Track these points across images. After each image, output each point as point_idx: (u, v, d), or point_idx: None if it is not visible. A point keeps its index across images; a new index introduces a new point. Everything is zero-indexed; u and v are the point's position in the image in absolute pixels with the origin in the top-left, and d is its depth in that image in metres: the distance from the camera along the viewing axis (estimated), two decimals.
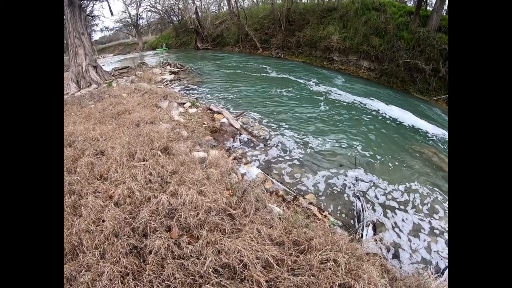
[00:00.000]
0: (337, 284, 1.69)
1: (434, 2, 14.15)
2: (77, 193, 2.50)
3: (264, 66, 13.58)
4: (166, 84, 9.18)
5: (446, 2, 14.53)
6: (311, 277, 1.73)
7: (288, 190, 3.64)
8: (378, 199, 3.70)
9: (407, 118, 7.74)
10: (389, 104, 8.90)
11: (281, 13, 18.33)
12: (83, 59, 10.29)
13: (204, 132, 4.60)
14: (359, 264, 1.92)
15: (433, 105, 11.18)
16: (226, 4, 25.86)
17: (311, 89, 9.59)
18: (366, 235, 2.96)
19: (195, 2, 29.00)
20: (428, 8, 15.87)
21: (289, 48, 17.60)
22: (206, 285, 1.61)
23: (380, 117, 7.41)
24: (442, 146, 6.06)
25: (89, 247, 1.91)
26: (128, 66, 13.64)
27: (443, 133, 7.11)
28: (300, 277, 1.75)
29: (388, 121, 7.21)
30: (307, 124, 5.93)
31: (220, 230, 2.00)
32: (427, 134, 6.86)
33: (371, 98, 9.25)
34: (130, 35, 41.97)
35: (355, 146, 5.09)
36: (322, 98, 8.40)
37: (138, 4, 30.69)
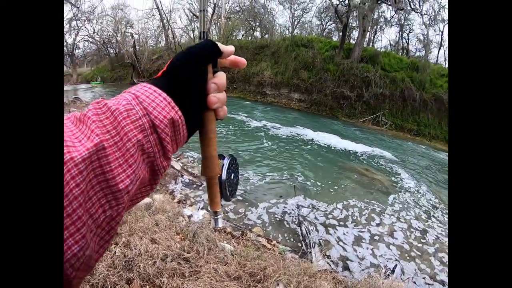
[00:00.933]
0: None
1: (356, 36, 16.61)
2: None
3: None
4: None
5: (366, 37, 17.12)
6: None
7: (235, 226, 3.79)
8: (319, 220, 4.11)
9: (337, 142, 8.71)
10: (321, 131, 9.88)
11: None
12: None
13: None
14: (311, 281, 2.16)
15: (360, 126, 12.77)
16: (164, 39, 26.14)
17: (246, 124, 10.07)
18: (315, 254, 3.25)
19: (134, 35, 28.62)
20: (351, 41, 18.38)
21: None
22: None
23: (314, 145, 8.18)
24: (371, 162, 6.97)
25: None
26: None
27: (371, 150, 8.15)
28: None
29: (321, 148, 8.01)
30: (246, 160, 6.23)
31: (179, 275, 2.06)
32: (357, 153, 7.82)
33: (304, 127, 10.13)
34: (64, 65, 39.00)
35: (293, 176, 5.55)
36: (260, 133, 8.89)
37: (77, 33, 29.33)
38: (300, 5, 22.90)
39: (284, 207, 4.33)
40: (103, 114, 0.33)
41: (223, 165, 0.50)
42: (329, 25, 23.89)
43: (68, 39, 29.36)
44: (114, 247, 2.23)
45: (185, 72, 0.40)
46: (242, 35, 23.72)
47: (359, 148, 8.46)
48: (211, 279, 2.08)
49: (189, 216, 3.56)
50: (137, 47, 26.95)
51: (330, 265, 3.16)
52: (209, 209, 0.51)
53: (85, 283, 1.99)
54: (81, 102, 12.94)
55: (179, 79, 0.40)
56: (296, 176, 5.55)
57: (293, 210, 4.27)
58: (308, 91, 15.20)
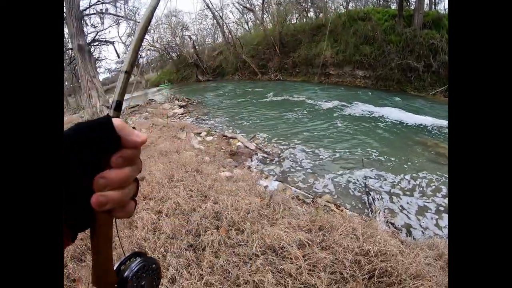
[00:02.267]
0: (356, 246, 2.15)
1: (414, 1, 14.90)
2: None
3: (265, 90, 14.21)
4: (178, 118, 9.92)
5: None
6: (336, 247, 2.20)
7: (306, 194, 4.12)
8: (385, 189, 4.16)
9: (407, 117, 8.21)
10: (389, 107, 9.40)
11: (274, 37, 19.07)
12: (96, 100, 10.83)
13: (224, 156, 5.18)
14: (374, 232, 2.39)
15: (431, 99, 11.61)
16: (221, 35, 27.17)
17: (315, 106, 10.15)
18: (379, 220, 3.39)
19: (191, 37, 30.37)
20: (410, 7, 16.46)
21: (287, 70, 18.22)
22: (257, 261, 2.09)
23: (382, 122, 7.92)
24: (441, 136, 6.48)
25: (151, 250, 2.37)
26: (138, 104, 14.43)
27: (442, 123, 7.53)
28: (327, 250, 2.22)
29: (391, 124, 7.71)
30: (317, 138, 6.48)
31: (260, 223, 2.51)
32: (427, 127, 7.29)
33: (371, 104, 9.76)
34: (133, 74, 43.77)
35: (362, 150, 5.61)
36: (328, 114, 8.94)
37: None
38: None
39: (352, 178, 4.50)
40: None
41: (126, 274, 0.39)
42: None
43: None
44: (205, 204, 2.82)
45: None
46: (296, 19, 23.26)
47: (429, 121, 7.85)
48: (286, 229, 2.46)
49: (265, 187, 4.02)
50: (196, 47, 28.63)
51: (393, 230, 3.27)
52: None
53: (181, 228, 2.55)
54: (156, 102, 14.68)
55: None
56: (365, 150, 5.61)
57: (360, 180, 4.41)
58: (372, 67, 14.31)
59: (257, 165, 5.05)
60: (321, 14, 19.87)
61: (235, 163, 4.96)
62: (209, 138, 6.34)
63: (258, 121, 8.46)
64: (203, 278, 2.04)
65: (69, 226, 0.34)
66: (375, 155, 5.36)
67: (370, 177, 4.51)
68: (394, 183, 4.32)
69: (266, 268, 2.05)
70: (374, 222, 2.96)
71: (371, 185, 4.26)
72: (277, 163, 5.13)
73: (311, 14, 22.41)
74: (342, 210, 3.72)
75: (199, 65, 26.53)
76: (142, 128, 7.62)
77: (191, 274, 2.09)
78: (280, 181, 4.43)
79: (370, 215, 3.56)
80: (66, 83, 21.75)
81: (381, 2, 20.72)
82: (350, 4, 21.08)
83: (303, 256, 2.18)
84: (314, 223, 2.66)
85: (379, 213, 3.53)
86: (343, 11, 18.96)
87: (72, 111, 20.70)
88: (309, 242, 2.36)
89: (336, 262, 2.11)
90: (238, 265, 2.13)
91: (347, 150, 5.65)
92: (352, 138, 6.48)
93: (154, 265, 0.41)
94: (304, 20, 21.94)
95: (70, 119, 16.82)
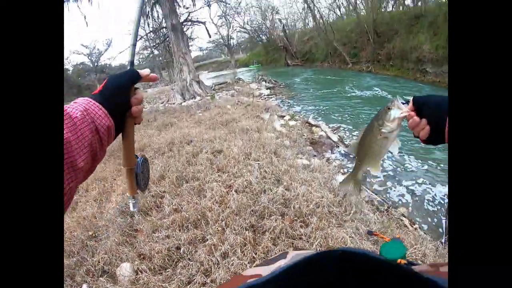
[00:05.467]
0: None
1: None
2: (201, 179, 3.19)
3: (355, 81, 13.33)
4: (264, 98, 10.06)
5: None
6: None
7: (382, 200, 3.79)
8: None
9: None
10: None
11: (368, 25, 17.54)
12: (187, 75, 11.88)
13: (305, 143, 5.06)
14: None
15: None
16: (312, 20, 26.25)
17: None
18: None
19: (282, 20, 30.08)
20: None
21: (379, 61, 16.59)
22: None
23: None
24: None
25: (213, 220, 2.45)
26: (226, 82, 15.30)
27: None
28: None
29: None
30: (406, 144, 5.76)
31: (327, 221, 2.43)
32: None
33: None
34: (223, 53, 46.33)
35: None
36: None
37: (229, 26, 33.56)
38: None
39: (434, 195, 3.94)
40: (65, 119, 0.48)
41: (137, 161, 0.65)
42: None
43: (223, 31, 33.97)
44: (277, 188, 2.81)
45: (115, 93, 0.58)
46: (392, 6, 20.62)
47: None
48: (353, 233, 2.30)
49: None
50: (286, 31, 28.32)
51: None
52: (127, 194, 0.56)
53: (247, 207, 2.56)
54: (243, 82, 15.31)
55: (111, 98, 0.57)
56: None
57: (440, 199, 3.84)
58: None
59: (337, 158, 4.83)
60: (419, 2, 17.01)
61: (315, 152, 4.82)
62: (292, 123, 6.30)
63: (343, 112, 8.02)
64: (254, 261, 2.03)
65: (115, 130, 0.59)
66: None
67: None
68: None
69: None
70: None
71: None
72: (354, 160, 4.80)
73: (408, 1, 19.47)
74: (416, 229, 3.31)
75: (288, 49, 26.43)
76: (227, 105, 7.96)
77: (244, 254, 2.09)
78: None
79: (444, 242, 3.07)
80: (160, 58, 24.27)
81: None
82: None
83: None
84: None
85: None
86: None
87: (164, 83, 23.24)
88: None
89: None
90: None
91: (435, 164, 4.89)
92: (444, 149, 5.55)
93: (147, 160, 0.69)
94: (401, 8, 19.24)
95: (161, 89, 19.01)
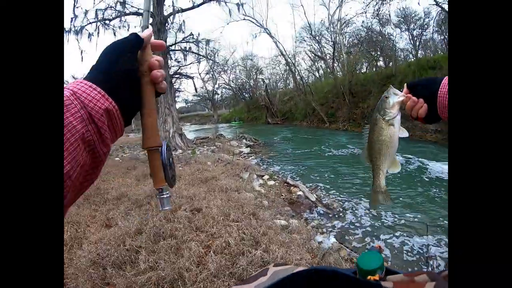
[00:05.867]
0: None
1: None
2: (179, 238, 3.15)
3: (333, 140, 13.98)
4: (244, 157, 10.30)
5: None
6: None
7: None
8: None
9: None
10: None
11: (344, 86, 19.17)
12: (170, 126, 11.91)
13: (283, 203, 5.18)
14: None
15: None
16: (292, 81, 28.35)
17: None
18: None
19: (265, 80, 32.27)
20: None
21: (355, 120, 17.88)
22: None
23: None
24: None
25: (191, 281, 2.40)
26: (208, 137, 15.52)
27: None
28: None
29: None
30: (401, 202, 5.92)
31: None
32: None
33: (441, 162, 8.61)
34: (206, 107, 47.88)
35: (429, 216, 5.01)
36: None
37: (215, 81, 35.40)
38: (417, 22, 20.23)
39: (414, 245, 4.07)
40: None
41: (162, 148, 0.52)
42: None
43: (208, 86, 35.96)
44: (256, 250, 2.81)
45: (114, 64, 0.45)
46: (366, 68, 23.10)
47: None
48: None
49: (319, 242, 3.82)
50: (268, 90, 30.19)
51: None
52: (153, 187, 0.54)
53: (225, 269, 2.50)
54: (225, 138, 15.63)
55: (108, 73, 0.44)
56: (431, 216, 4.97)
57: (418, 248, 3.99)
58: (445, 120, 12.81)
59: (315, 218, 4.92)
60: (390, 63, 19.33)
61: (293, 213, 4.89)
62: (271, 182, 6.45)
63: (323, 172, 8.26)
64: None
65: (124, 114, 0.46)
66: (441, 222, 4.68)
67: (433, 245, 4.00)
68: None
69: None
70: None
71: (433, 255, 3.79)
72: (336, 218, 4.91)
73: (380, 63, 22.01)
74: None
75: (269, 107, 27.67)
76: (208, 161, 8.13)
77: None
78: (336, 240, 4.14)
79: None
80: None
81: None
82: (419, 51, 20.03)
83: None
84: None
85: None
86: (413, 59, 18.14)
87: None
88: None
89: None
90: None
91: (411, 214, 5.00)
92: (418, 200, 5.70)
93: (170, 147, 0.56)
94: (374, 69, 21.58)
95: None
